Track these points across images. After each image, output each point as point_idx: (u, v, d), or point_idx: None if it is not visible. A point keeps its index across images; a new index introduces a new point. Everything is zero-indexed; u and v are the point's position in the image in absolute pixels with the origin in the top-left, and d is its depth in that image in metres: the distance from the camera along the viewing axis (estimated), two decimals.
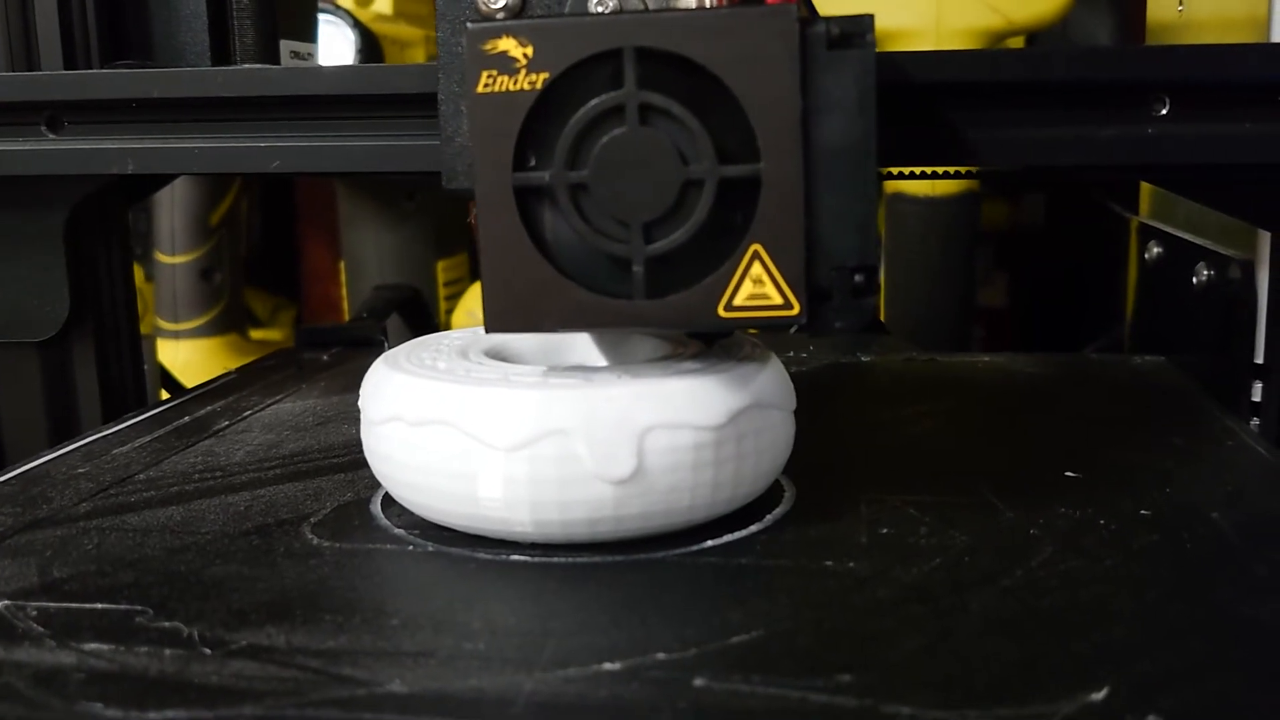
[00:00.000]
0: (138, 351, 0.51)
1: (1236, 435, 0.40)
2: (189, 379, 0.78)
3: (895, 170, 0.39)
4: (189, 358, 0.88)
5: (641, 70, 0.28)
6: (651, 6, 0.31)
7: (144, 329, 0.84)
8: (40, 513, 0.34)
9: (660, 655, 0.24)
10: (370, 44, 0.80)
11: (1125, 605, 0.26)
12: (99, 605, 0.28)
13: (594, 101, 0.29)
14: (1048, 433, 0.42)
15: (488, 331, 0.30)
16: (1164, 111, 0.35)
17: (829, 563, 0.29)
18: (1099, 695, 0.22)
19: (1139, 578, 0.28)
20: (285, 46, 0.51)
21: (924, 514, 0.32)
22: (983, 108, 0.36)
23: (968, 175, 0.59)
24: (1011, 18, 0.66)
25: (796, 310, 0.29)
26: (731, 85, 0.28)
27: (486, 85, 0.29)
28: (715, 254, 0.29)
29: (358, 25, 0.79)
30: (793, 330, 0.31)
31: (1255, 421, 0.43)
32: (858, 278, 0.29)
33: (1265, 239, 0.43)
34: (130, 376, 0.50)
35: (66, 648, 0.25)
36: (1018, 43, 0.70)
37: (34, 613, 0.27)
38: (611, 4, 0.31)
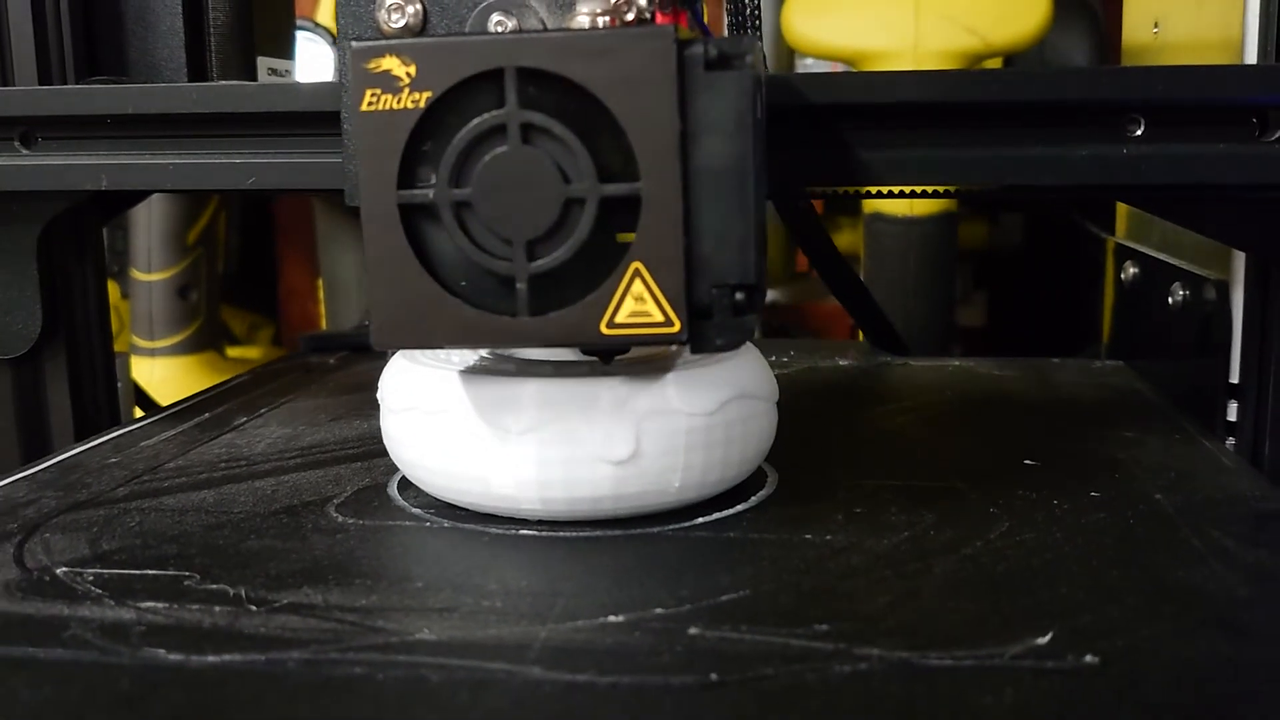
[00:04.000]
0: (111, 369, 0.51)
1: (1184, 430, 0.43)
2: (164, 397, 0.76)
3: (873, 190, 0.41)
4: (165, 375, 0.88)
5: (523, 90, 0.29)
6: (550, 26, 0.32)
7: (120, 347, 0.84)
8: (81, 496, 0.37)
9: (659, 610, 0.27)
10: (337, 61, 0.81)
11: (1071, 570, 0.30)
12: (149, 572, 0.30)
13: (476, 120, 0.29)
14: (1010, 427, 0.45)
15: (375, 348, 0.31)
16: (1139, 132, 0.35)
17: (808, 536, 0.32)
18: (1043, 640, 0.25)
19: (1085, 548, 0.31)
20: (263, 63, 0.51)
21: (895, 496, 0.36)
22: (959, 128, 0.36)
23: (945, 195, 0.61)
24: (989, 40, 0.68)
25: (677, 328, 0.29)
26: (611, 106, 0.28)
27: (370, 104, 0.29)
28: (597, 272, 0.29)
29: (336, 42, 0.80)
30: (673, 348, 0.33)
31: (1230, 441, 0.44)
32: (738, 295, 0.29)
33: (1240, 259, 0.44)
34: (103, 394, 0.50)
35: (125, 605, 0.28)
36: (995, 65, 0.71)
37: (90, 578, 0.30)
38: (511, 24, 0.32)
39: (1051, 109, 0.36)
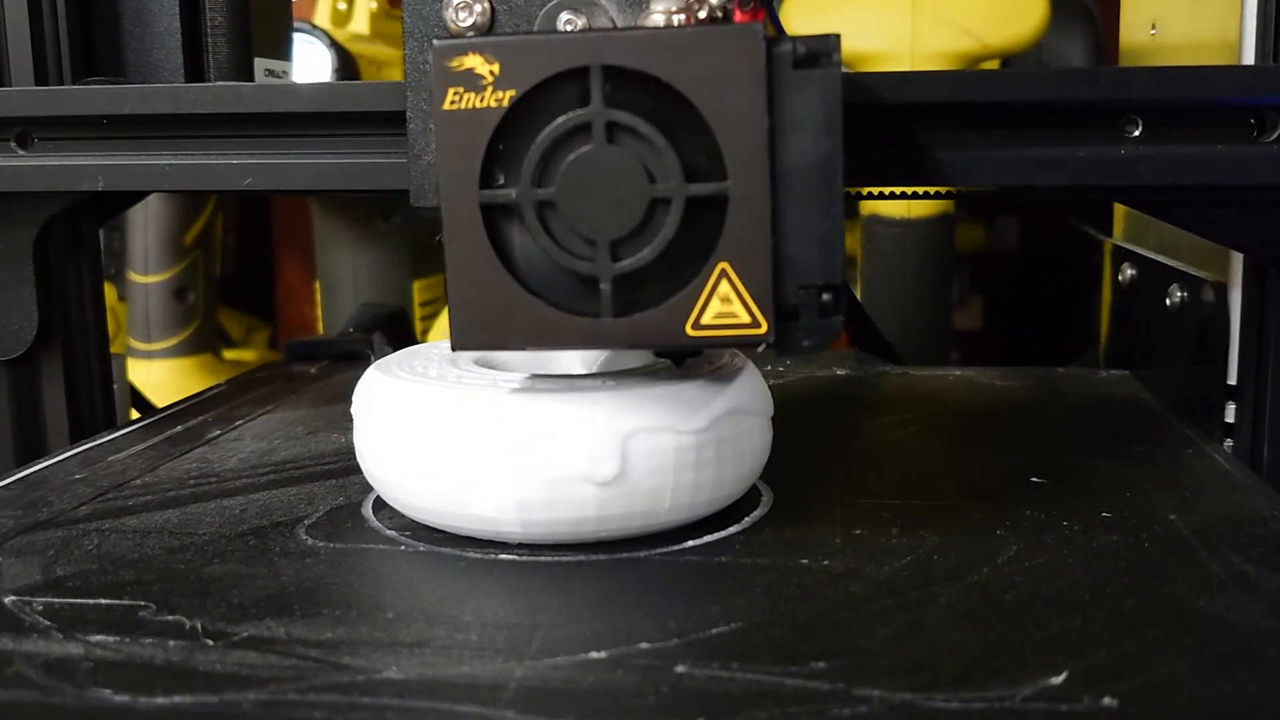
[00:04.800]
0: (107, 371, 0.50)
1: (1194, 444, 0.42)
2: (161, 399, 0.77)
3: (870, 191, 0.40)
4: (161, 378, 0.87)
5: (608, 88, 0.28)
6: (620, 25, 0.31)
7: (116, 349, 0.84)
8: (41, 515, 0.35)
9: (644, 645, 0.26)
10: (347, 64, 0.80)
11: (1084, 598, 0.28)
12: (103, 601, 0.29)
13: (561, 119, 0.29)
14: (1015, 441, 0.43)
15: (454, 349, 0.30)
16: (1137, 133, 0.35)
17: (804, 560, 0.30)
18: (1057, 679, 0.24)
19: (1098, 574, 0.29)
20: (260, 64, 0.50)
21: (896, 516, 0.34)
22: (957, 129, 0.36)
23: (942, 196, 0.60)
24: (986, 42, 0.67)
25: (764, 329, 0.29)
26: (698, 104, 0.28)
27: (453, 102, 0.29)
28: (683, 272, 0.29)
29: (334, 45, 0.79)
30: (760, 349, 0.32)
31: (1229, 443, 0.43)
32: (825, 296, 0.29)
33: (1238, 261, 0.44)
34: (99, 396, 0.50)
35: (73, 639, 0.26)
36: (993, 66, 0.71)
37: (40, 607, 0.28)
38: (580, 22, 0.31)
39: (1049, 110, 0.36)
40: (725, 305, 0.29)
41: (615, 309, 0.29)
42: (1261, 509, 0.35)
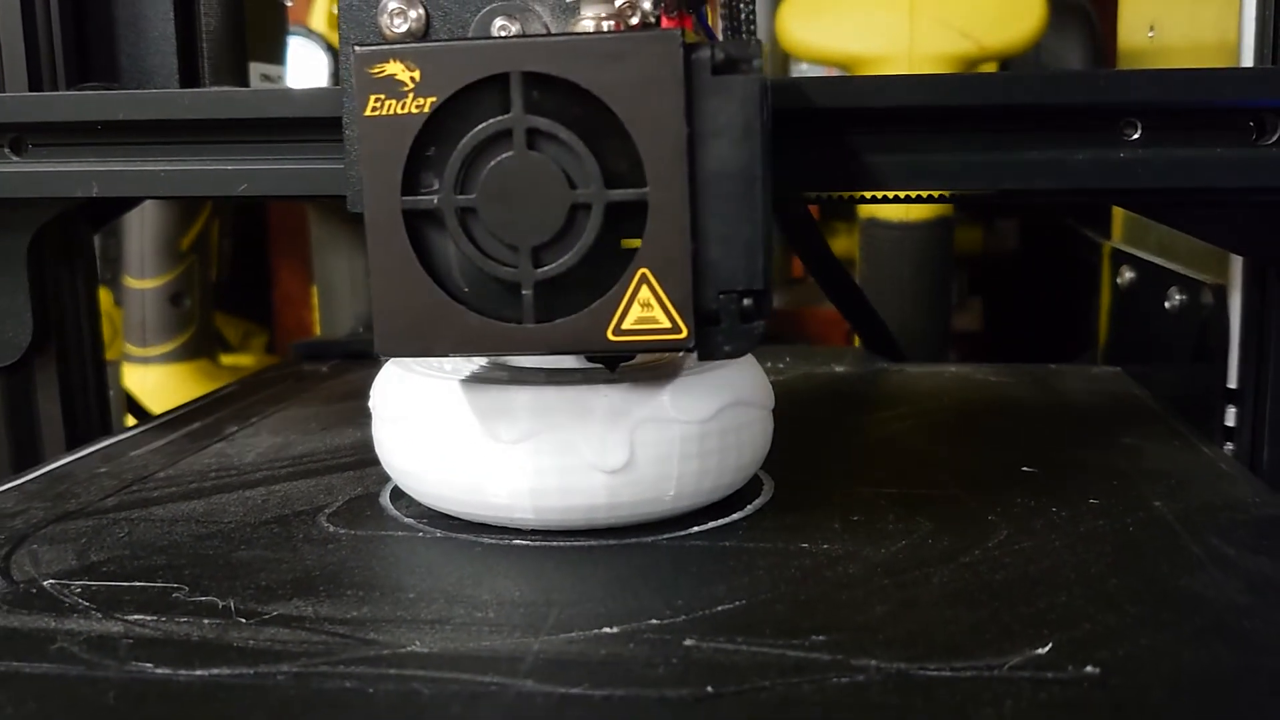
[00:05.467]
0: (102, 378, 0.50)
1: (1183, 436, 0.43)
2: (157, 405, 0.76)
3: (868, 195, 0.41)
4: (158, 383, 0.87)
5: (529, 95, 0.28)
6: (553, 31, 0.31)
7: (112, 354, 0.84)
8: (70, 506, 0.37)
9: (653, 621, 0.27)
10: (339, 66, 0.80)
11: (1070, 578, 0.29)
12: (137, 583, 0.30)
13: (481, 126, 0.29)
14: (1008, 434, 0.45)
15: (379, 355, 0.31)
16: (1136, 136, 0.35)
17: (805, 544, 0.32)
18: (1043, 650, 0.25)
19: (1084, 556, 0.31)
20: (255, 69, 0.50)
21: (892, 504, 0.35)
22: (955, 132, 0.36)
23: (941, 200, 0.61)
24: (984, 44, 0.68)
25: (685, 334, 0.29)
26: (617, 110, 0.28)
27: (374, 109, 0.29)
28: (604, 278, 0.29)
29: (330, 49, 0.80)
30: (680, 354, 0.32)
31: (1229, 446, 0.44)
32: (746, 302, 0.29)
33: (1237, 264, 0.44)
34: (94, 403, 0.50)
35: (112, 618, 0.28)
36: (991, 69, 0.71)
37: (78, 590, 0.30)
38: (514, 28, 0.31)
39: (1048, 113, 0.36)
40: (646, 310, 0.29)
41: (538, 314, 0.29)
42: (1244, 496, 0.36)
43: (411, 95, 0.29)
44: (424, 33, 0.32)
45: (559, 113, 0.29)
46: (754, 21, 0.43)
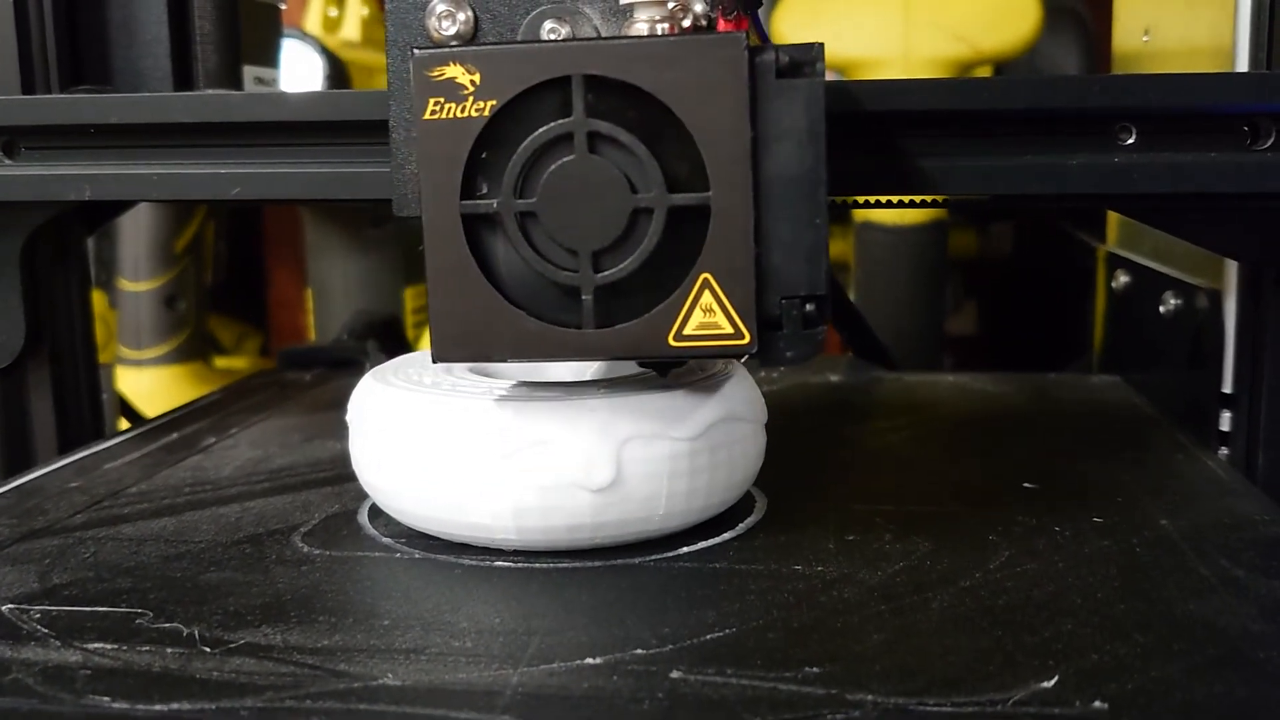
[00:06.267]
0: (95, 381, 0.50)
1: (1185, 448, 0.42)
2: (152, 408, 0.76)
3: (863, 199, 0.40)
4: (152, 386, 0.87)
5: (590, 98, 0.28)
6: (604, 33, 0.31)
7: (107, 357, 0.84)
8: (37, 523, 0.35)
9: (639, 651, 0.26)
10: (338, 70, 0.80)
11: (1075, 603, 0.28)
12: (100, 608, 0.29)
13: (542, 129, 0.29)
14: (1007, 447, 0.43)
15: (435, 360, 0.30)
16: (1130, 141, 0.35)
17: (798, 566, 0.31)
18: (1049, 683, 0.24)
19: (1089, 579, 0.30)
20: (249, 72, 0.50)
21: (889, 522, 0.34)
22: (949, 137, 0.36)
23: (935, 205, 0.60)
24: (979, 48, 0.67)
25: (747, 340, 0.29)
26: (680, 114, 0.28)
27: (434, 112, 0.29)
28: (665, 283, 0.29)
29: (325, 51, 0.79)
30: (743, 360, 0.32)
31: (1224, 451, 0.43)
32: (808, 307, 0.29)
33: (1232, 268, 0.43)
34: (87, 406, 0.49)
35: (71, 647, 0.26)
36: (985, 73, 0.70)
37: (37, 615, 0.28)
38: (564, 30, 0.31)
39: (1042, 118, 0.35)
40: (708, 316, 0.29)
41: (597, 320, 0.29)
42: (1252, 514, 0.35)
43: (472, 99, 0.29)
44: (472, 35, 0.32)
45: (617, 116, 0.28)
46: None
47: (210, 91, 0.47)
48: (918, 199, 0.41)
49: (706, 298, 0.29)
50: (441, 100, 0.29)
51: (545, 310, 0.30)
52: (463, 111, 0.29)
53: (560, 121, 0.29)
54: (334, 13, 0.89)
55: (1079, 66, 0.84)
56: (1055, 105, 0.35)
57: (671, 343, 0.29)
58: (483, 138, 0.29)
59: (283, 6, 0.56)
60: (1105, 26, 0.66)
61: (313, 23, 0.88)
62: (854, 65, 0.68)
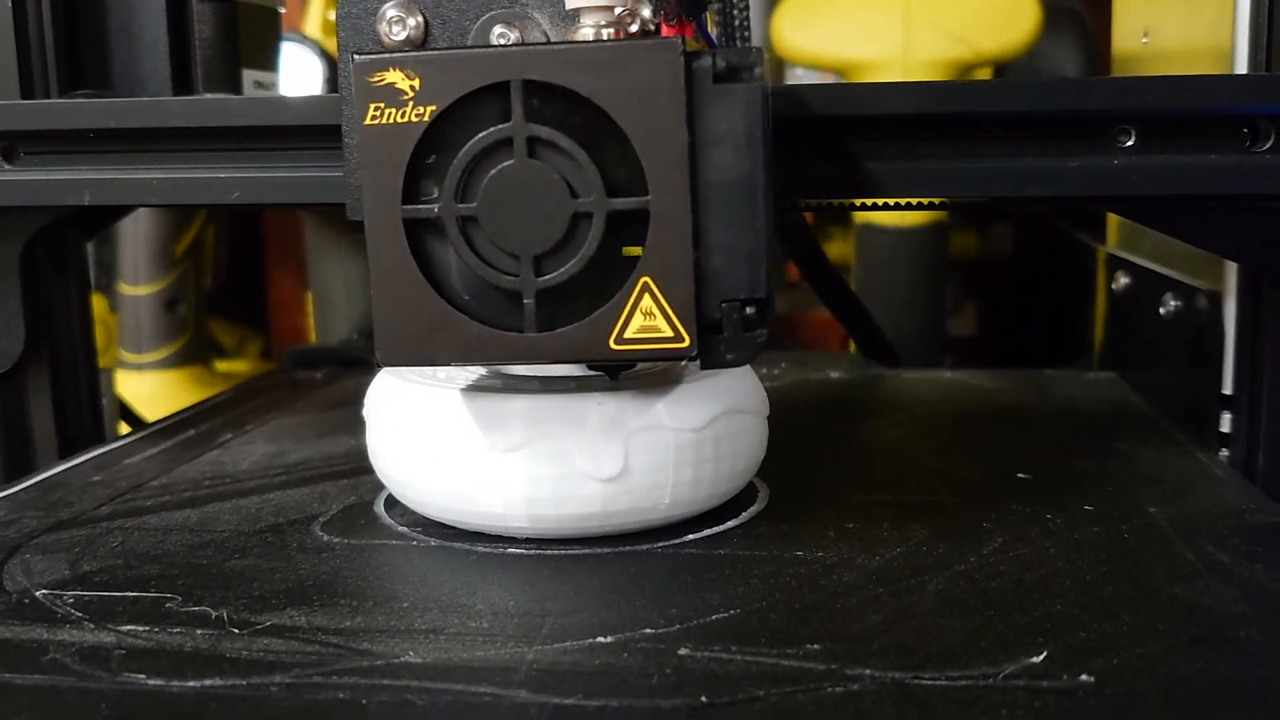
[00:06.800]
0: (95, 386, 0.50)
1: (1178, 443, 0.43)
2: (152, 412, 0.75)
3: (862, 202, 0.41)
4: (152, 390, 0.87)
5: (534, 103, 0.28)
6: (552, 39, 0.31)
7: (107, 361, 0.84)
8: (63, 515, 0.37)
9: (648, 630, 0.27)
10: (337, 74, 0.80)
11: (1065, 586, 0.29)
12: (130, 594, 0.30)
13: (482, 134, 0.29)
14: (1003, 440, 0.45)
15: (379, 364, 0.31)
16: (1130, 143, 0.35)
17: (800, 552, 0.32)
18: (1038, 659, 0.25)
19: (1079, 563, 0.31)
20: (248, 76, 0.50)
21: (887, 511, 0.35)
22: (949, 139, 0.36)
23: (935, 207, 0.61)
24: (979, 49, 0.68)
25: (687, 343, 0.29)
26: (618, 119, 0.28)
27: (374, 117, 0.29)
28: (605, 287, 0.29)
29: (324, 55, 0.80)
30: (684, 363, 0.32)
31: (1224, 452, 0.43)
32: (749, 310, 0.29)
33: (1232, 270, 0.44)
34: (87, 411, 0.49)
35: (105, 629, 0.28)
36: (985, 74, 0.71)
37: (70, 600, 0.29)
38: (513, 36, 0.31)
39: (1042, 120, 0.36)
40: (648, 320, 0.29)
41: (539, 323, 0.29)
42: (1239, 503, 0.36)
43: (411, 104, 0.29)
44: (423, 40, 0.32)
45: (559, 121, 0.29)
46: (749, 28, 0.43)
47: (209, 95, 0.47)
48: (917, 200, 0.41)
49: (646, 301, 0.29)
50: (382, 105, 0.29)
51: (488, 314, 0.30)
52: (403, 117, 0.29)
53: (499, 126, 0.29)
54: (333, 15, 0.90)
55: (1078, 68, 0.85)
56: (1055, 107, 0.35)
57: (613, 346, 0.29)
58: (425, 142, 0.29)
59: (281, 10, 0.56)
60: (1105, 28, 0.67)
61: (312, 26, 0.89)
62: (853, 67, 0.68)
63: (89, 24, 0.47)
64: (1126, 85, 0.35)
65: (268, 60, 0.54)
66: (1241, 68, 0.43)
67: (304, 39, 0.81)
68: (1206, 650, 0.26)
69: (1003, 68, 0.74)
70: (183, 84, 0.47)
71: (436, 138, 0.29)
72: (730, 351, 0.29)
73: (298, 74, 0.79)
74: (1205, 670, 0.25)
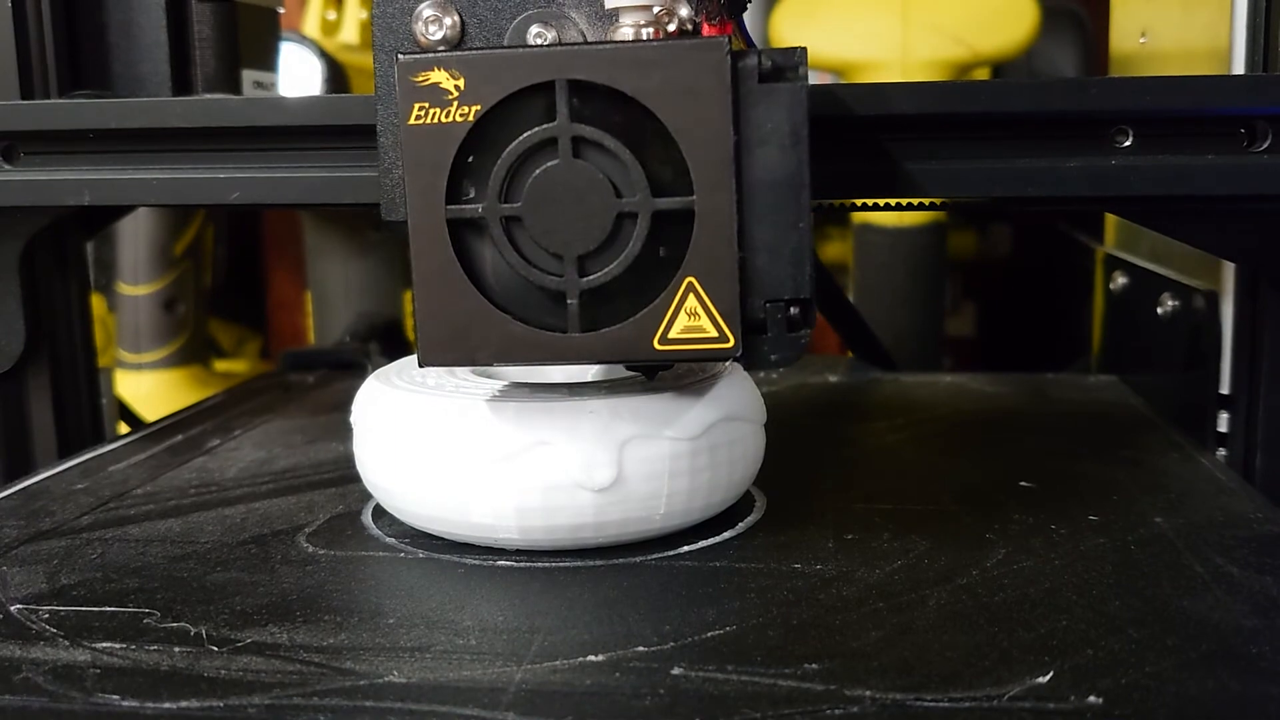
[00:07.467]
0: (94, 386, 0.50)
1: (1181, 448, 0.42)
2: (151, 411, 0.76)
3: (860, 202, 0.40)
4: (151, 390, 0.87)
5: (574, 103, 0.28)
6: (590, 38, 0.31)
7: (106, 361, 0.84)
8: (44, 525, 0.36)
9: (640, 648, 0.26)
10: (337, 74, 0.80)
11: (1071, 600, 0.28)
12: (108, 608, 0.29)
13: (526, 134, 0.29)
14: (1004, 446, 0.44)
15: (421, 365, 0.30)
16: (1127, 143, 0.35)
17: (797, 565, 0.31)
18: (1044, 679, 0.24)
19: (1084, 576, 0.30)
20: (248, 76, 0.50)
21: (887, 520, 0.34)
22: (947, 139, 0.36)
23: (934, 207, 0.60)
24: (977, 50, 0.68)
25: (732, 344, 0.29)
26: (664, 118, 0.28)
27: (419, 117, 0.29)
28: (650, 287, 0.29)
29: (324, 55, 0.79)
30: (727, 363, 0.32)
31: (1222, 452, 0.43)
32: (793, 310, 0.29)
33: (1229, 270, 0.44)
34: (87, 410, 0.49)
35: (80, 646, 0.27)
36: (983, 74, 0.71)
37: (46, 615, 0.29)
38: (550, 35, 0.31)
39: (1040, 120, 0.35)
40: (693, 320, 0.29)
41: (583, 324, 0.29)
42: (1246, 512, 0.35)
43: (456, 103, 0.29)
44: (459, 40, 0.32)
45: (601, 121, 0.29)
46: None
47: (209, 96, 0.47)
48: (916, 201, 0.41)
49: (691, 301, 0.29)
50: (426, 105, 0.29)
51: (531, 314, 0.30)
52: (447, 116, 0.29)
53: (544, 126, 0.29)
54: (332, 16, 0.90)
55: (1076, 68, 0.85)
56: (1053, 108, 0.35)
57: (657, 346, 0.29)
58: (468, 142, 0.29)
59: (281, 10, 0.56)
60: (1102, 28, 0.67)
61: (311, 26, 0.89)
62: (852, 67, 0.68)
63: (88, 24, 0.47)
64: (1124, 86, 0.35)
65: (267, 60, 0.53)
66: (1239, 68, 0.43)
67: (304, 39, 0.81)
68: (1218, 667, 0.25)
69: (1001, 68, 0.74)
70: (182, 84, 0.47)
71: (479, 137, 0.29)
72: (775, 352, 0.29)
73: (296, 74, 0.78)
74: (1217, 689, 0.24)
